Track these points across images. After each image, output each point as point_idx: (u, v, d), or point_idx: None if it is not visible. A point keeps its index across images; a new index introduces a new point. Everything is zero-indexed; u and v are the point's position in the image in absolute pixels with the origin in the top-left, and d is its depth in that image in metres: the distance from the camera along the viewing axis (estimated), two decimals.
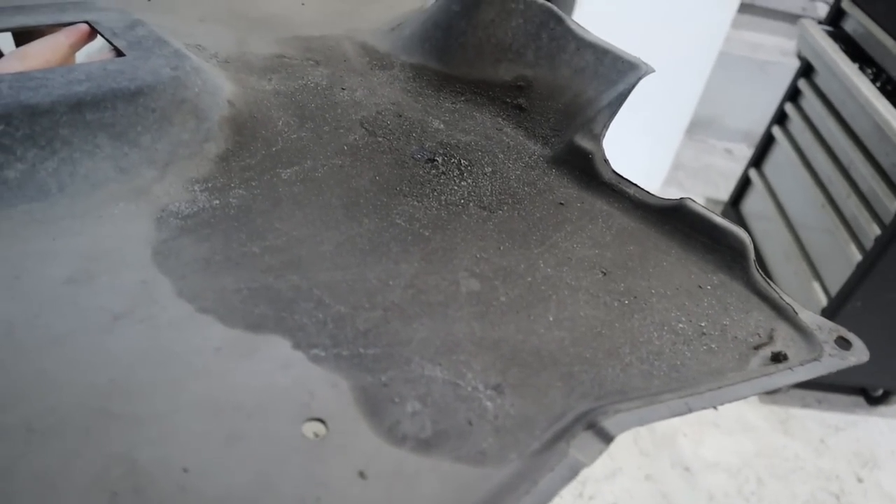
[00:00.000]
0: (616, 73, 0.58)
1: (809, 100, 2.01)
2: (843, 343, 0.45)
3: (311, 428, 0.34)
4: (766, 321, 0.46)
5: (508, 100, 0.61)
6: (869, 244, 1.63)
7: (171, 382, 0.35)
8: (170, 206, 0.45)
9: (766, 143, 2.22)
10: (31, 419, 0.31)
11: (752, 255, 0.49)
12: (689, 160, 2.99)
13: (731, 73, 2.86)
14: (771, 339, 0.45)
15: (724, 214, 2.35)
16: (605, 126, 0.57)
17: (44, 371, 0.34)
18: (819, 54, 1.90)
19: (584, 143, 0.56)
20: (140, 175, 0.46)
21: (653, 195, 0.53)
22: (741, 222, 2.30)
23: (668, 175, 2.64)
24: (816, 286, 1.83)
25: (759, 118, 2.68)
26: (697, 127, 3.06)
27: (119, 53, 0.50)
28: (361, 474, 0.33)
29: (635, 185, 0.55)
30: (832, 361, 0.44)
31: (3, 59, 0.49)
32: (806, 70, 2.05)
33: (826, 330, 0.46)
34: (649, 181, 2.61)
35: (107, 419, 0.32)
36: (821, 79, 1.98)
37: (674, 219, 0.52)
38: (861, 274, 1.65)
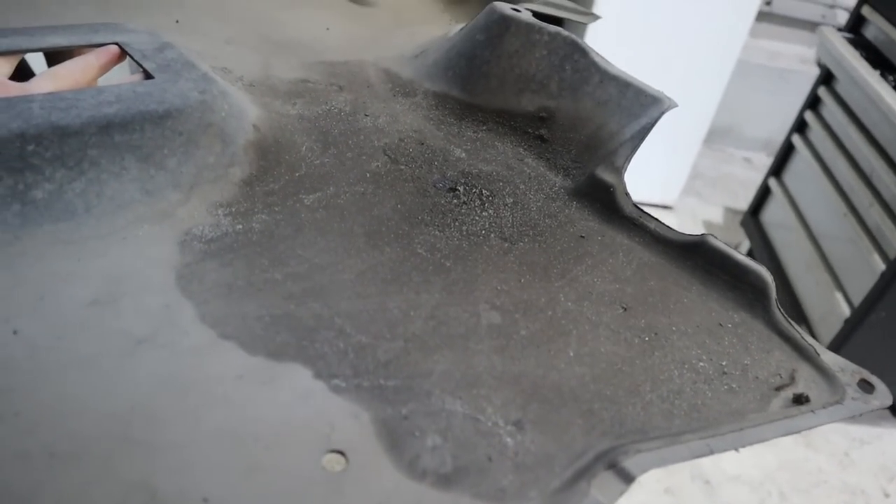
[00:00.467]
0: (639, 107, 0.58)
1: (830, 108, 1.97)
2: (866, 386, 0.45)
3: (331, 460, 0.34)
4: (787, 361, 0.46)
5: (530, 130, 0.61)
6: (893, 253, 1.60)
7: (191, 410, 0.35)
8: (193, 229, 0.45)
9: (786, 152, 2.18)
10: (53, 444, 0.31)
11: (773, 294, 0.49)
12: (708, 169, 2.97)
13: (749, 82, 2.85)
14: (793, 380, 0.45)
15: (744, 224, 2.32)
16: (628, 159, 0.57)
17: (65, 395, 0.34)
18: (839, 61, 1.87)
19: (605, 175, 0.56)
20: (165, 198, 0.46)
21: (674, 230, 0.53)
22: (761, 232, 2.26)
23: (686, 184, 2.62)
24: (839, 296, 1.79)
25: (778, 127, 2.67)
26: (716, 136, 3.04)
27: (148, 76, 0.50)
28: None
29: (656, 219, 0.55)
30: (855, 405, 0.43)
31: (35, 79, 0.49)
32: (826, 78, 2.01)
33: (849, 372, 0.45)
34: (667, 191, 2.60)
35: (127, 446, 0.32)
36: (841, 86, 1.94)
37: (695, 255, 0.52)
38: (885, 284, 1.61)
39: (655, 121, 0.58)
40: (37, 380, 0.34)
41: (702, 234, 0.52)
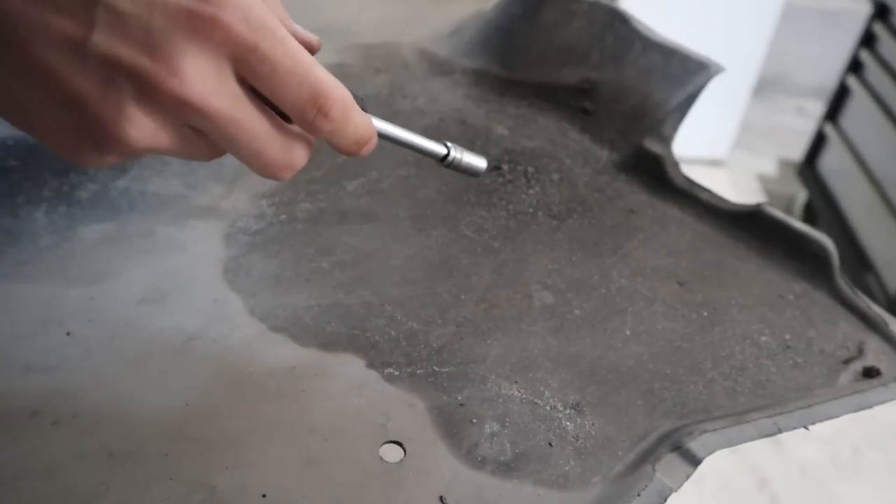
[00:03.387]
0: (685, 74, 0.56)
1: (886, 43, 1.84)
2: None
3: (389, 451, 0.33)
4: (854, 333, 0.44)
5: (573, 103, 0.59)
6: None
7: (245, 405, 0.34)
8: (238, 221, 0.45)
9: (841, 95, 2.06)
10: (111, 445, 0.31)
11: (836, 263, 0.47)
12: (759, 121, 2.81)
13: (797, 26, 2.70)
14: (861, 352, 0.43)
15: (800, 174, 2.22)
16: (675, 129, 0.55)
17: (120, 395, 0.34)
18: None
19: (653, 146, 0.54)
20: (208, 191, 0.46)
21: (727, 200, 0.51)
22: (819, 181, 2.18)
23: (737, 138, 2.53)
24: None
25: (830, 71, 2.52)
26: (765, 85, 2.85)
27: None
28: (442, 500, 0.32)
29: (708, 189, 0.53)
30: None
31: None
32: (881, 11, 1.88)
33: None
34: (717, 146, 2.50)
35: (183, 444, 0.32)
36: None
37: (750, 225, 0.50)
38: None
39: (703, 87, 0.56)
40: (92, 381, 0.34)
41: (757, 204, 0.50)
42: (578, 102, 0.59)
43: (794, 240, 0.48)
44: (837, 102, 2.11)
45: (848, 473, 1.57)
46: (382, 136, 0.38)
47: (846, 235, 1.92)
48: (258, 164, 0.31)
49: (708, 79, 0.55)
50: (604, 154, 0.56)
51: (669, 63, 0.57)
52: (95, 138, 0.27)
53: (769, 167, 2.61)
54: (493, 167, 0.53)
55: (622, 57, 0.58)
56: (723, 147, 2.53)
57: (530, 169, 0.53)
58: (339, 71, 0.60)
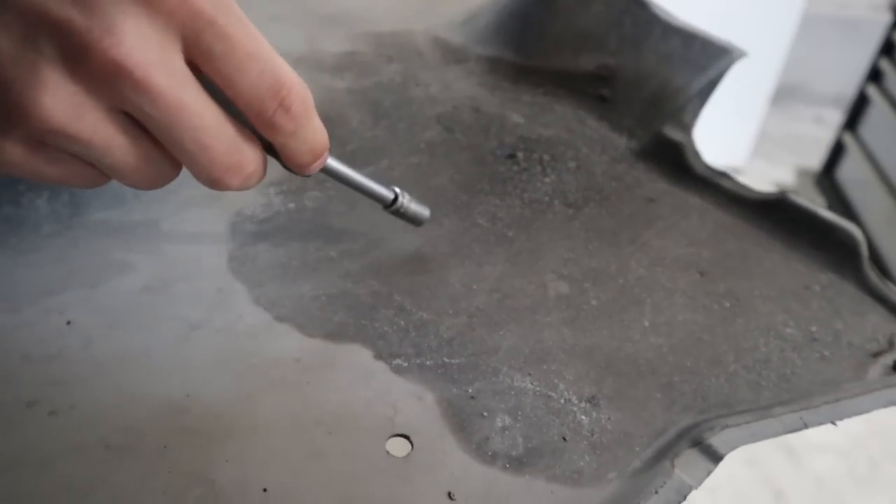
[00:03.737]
0: (706, 59, 0.54)
1: None
2: None
3: (396, 445, 0.32)
4: (883, 325, 0.42)
5: (590, 91, 0.58)
6: None
7: (248, 396, 0.33)
8: (244, 210, 0.44)
9: (860, 104, 2.05)
10: (109, 437, 0.30)
11: (865, 252, 0.45)
12: (776, 130, 2.77)
13: (817, 34, 2.65)
14: (891, 345, 0.41)
15: (818, 184, 2.20)
16: (696, 115, 0.54)
17: (120, 385, 0.33)
18: None
19: (673, 134, 0.53)
20: None
21: (749, 188, 0.50)
22: (837, 191, 2.15)
23: (754, 147, 2.50)
24: None
25: (850, 80, 2.47)
26: (783, 94, 2.81)
27: None
28: (450, 496, 0.30)
29: (730, 177, 0.51)
30: None
31: None
32: None
33: None
34: (734, 154, 2.47)
35: (183, 436, 0.31)
36: None
37: (774, 213, 0.48)
38: None
39: (724, 73, 0.54)
40: (92, 371, 0.33)
41: (781, 192, 0.48)
42: (596, 89, 0.58)
43: (821, 228, 0.46)
44: (857, 111, 2.09)
45: (866, 487, 1.54)
46: (329, 174, 0.36)
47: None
48: (203, 161, 0.26)
49: (730, 64, 0.53)
50: (622, 142, 0.54)
51: (690, 48, 0.55)
52: None
53: (786, 176, 2.57)
54: (508, 155, 0.51)
55: (641, 42, 0.57)
56: (740, 155, 2.50)
57: (546, 157, 0.52)
58: (350, 59, 0.59)
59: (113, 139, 0.25)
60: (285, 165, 0.32)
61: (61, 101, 0.23)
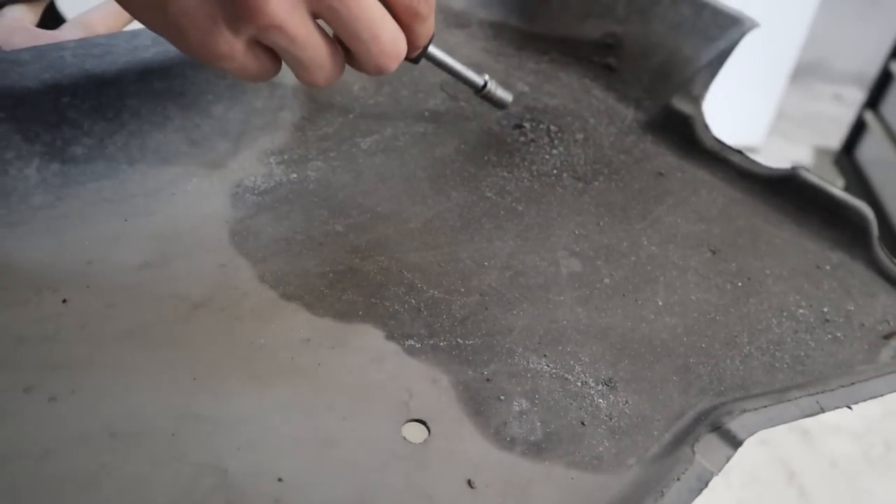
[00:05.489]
0: (716, 29, 0.53)
1: None
2: None
3: (412, 430, 0.31)
4: (894, 307, 0.42)
5: (596, 59, 0.56)
6: None
7: (257, 380, 0.32)
8: (245, 180, 0.42)
9: (883, 82, 2.01)
10: (113, 424, 0.29)
11: (875, 232, 0.45)
12: (795, 108, 2.74)
13: (837, 10, 2.61)
14: None
15: (837, 163, 2.16)
16: (706, 87, 0.52)
17: (122, 369, 0.31)
18: None
19: (682, 106, 0.51)
20: (213, 148, 0.43)
21: (760, 164, 0.49)
22: (856, 170, 2.12)
23: (772, 126, 2.47)
24: None
25: (871, 57, 2.44)
26: (802, 71, 2.75)
27: None
28: (470, 483, 0.29)
29: (740, 152, 0.50)
30: None
31: (65, 25, 0.46)
32: None
33: None
34: (751, 132, 2.44)
35: (192, 422, 0.30)
36: None
37: (785, 190, 0.47)
38: None
39: (735, 43, 0.52)
40: (91, 353, 0.32)
41: (792, 167, 0.47)
42: (602, 58, 0.56)
43: (831, 206, 0.46)
44: (879, 89, 2.04)
45: (880, 469, 1.54)
46: (430, 59, 0.41)
47: (884, 226, 1.87)
48: (374, 50, 0.32)
49: (741, 35, 0.52)
50: (629, 113, 0.53)
51: (700, 17, 0.53)
52: (232, 9, 0.28)
53: (804, 155, 2.54)
54: (514, 125, 0.50)
55: (649, 10, 0.55)
56: (757, 134, 2.46)
57: (553, 128, 0.50)
58: None
59: (311, 35, 0.30)
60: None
61: (283, 2, 0.28)
